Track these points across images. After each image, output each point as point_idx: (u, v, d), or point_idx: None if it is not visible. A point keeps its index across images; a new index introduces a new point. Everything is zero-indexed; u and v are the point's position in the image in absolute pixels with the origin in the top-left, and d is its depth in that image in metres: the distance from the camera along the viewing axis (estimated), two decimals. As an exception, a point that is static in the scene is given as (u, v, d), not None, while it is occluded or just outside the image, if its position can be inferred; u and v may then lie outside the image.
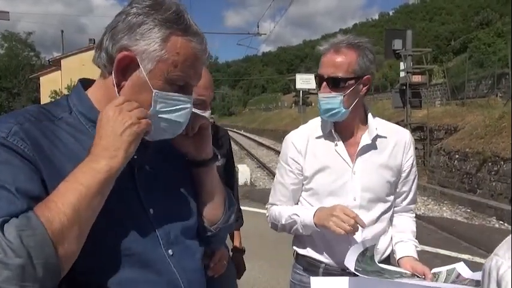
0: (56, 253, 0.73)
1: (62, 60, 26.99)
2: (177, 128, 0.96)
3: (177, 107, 0.93)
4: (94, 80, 1.01)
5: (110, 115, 0.85)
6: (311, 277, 1.43)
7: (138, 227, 0.91)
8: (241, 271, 2.29)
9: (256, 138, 32.30)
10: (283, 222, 1.59)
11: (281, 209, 1.64)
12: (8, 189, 0.76)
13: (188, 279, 0.95)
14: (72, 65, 24.80)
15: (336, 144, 1.55)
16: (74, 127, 0.92)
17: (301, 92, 21.99)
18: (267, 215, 1.73)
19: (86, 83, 1.00)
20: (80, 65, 22.95)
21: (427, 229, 6.71)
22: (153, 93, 0.89)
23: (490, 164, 8.97)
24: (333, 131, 1.56)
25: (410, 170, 1.62)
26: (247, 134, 38.46)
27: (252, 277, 3.86)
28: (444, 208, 8.80)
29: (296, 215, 1.54)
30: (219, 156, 1.11)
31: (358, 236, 1.52)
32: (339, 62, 1.46)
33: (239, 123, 54.84)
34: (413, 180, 1.64)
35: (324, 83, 1.49)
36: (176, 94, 0.92)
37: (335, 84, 1.47)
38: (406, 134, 1.63)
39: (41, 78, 31.31)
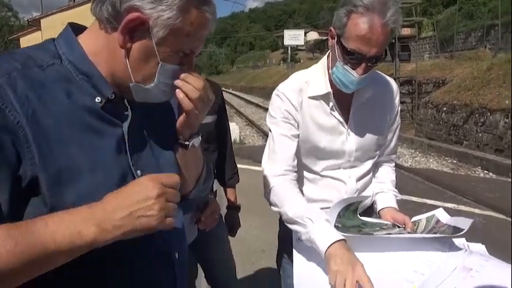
0: None
1: (41, 20, 25.88)
2: (172, 95, 0.93)
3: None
4: (84, 26, 0.93)
5: (146, 192, 0.76)
6: (294, 249, 1.37)
7: None
8: (236, 228, 2.31)
9: (245, 96, 32.08)
10: (290, 216, 1.36)
11: (290, 198, 1.41)
12: None
13: (174, 240, 0.96)
14: (52, 25, 23.85)
15: (331, 105, 1.49)
16: (65, 77, 0.83)
17: (289, 48, 21.67)
18: (270, 187, 1.46)
19: (75, 28, 0.92)
20: (61, 24, 21.99)
21: (414, 180, 6.86)
22: (159, 66, 0.86)
23: (477, 115, 9.07)
24: (330, 92, 1.47)
25: (395, 119, 1.61)
26: (236, 93, 38.17)
27: (243, 232, 3.93)
28: (431, 160, 8.98)
29: (311, 221, 1.29)
30: (199, 139, 1.04)
31: (353, 189, 1.53)
32: (385, 41, 1.30)
33: (227, 81, 54.17)
34: (396, 129, 1.64)
35: (364, 64, 1.32)
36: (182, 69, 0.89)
37: (373, 63, 1.34)
38: (392, 84, 1.61)
39: (20, 39, 30.13)
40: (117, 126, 0.88)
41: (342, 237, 1.21)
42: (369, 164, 1.57)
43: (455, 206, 5.35)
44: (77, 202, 0.76)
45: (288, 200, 1.40)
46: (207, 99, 0.94)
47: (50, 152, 0.76)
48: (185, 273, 1.03)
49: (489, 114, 8.70)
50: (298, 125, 1.49)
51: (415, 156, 9.35)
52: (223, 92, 2.30)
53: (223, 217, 2.20)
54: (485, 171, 7.82)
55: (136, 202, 0.75)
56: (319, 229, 1.25)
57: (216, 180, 2.19)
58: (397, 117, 1.62)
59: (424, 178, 7.03)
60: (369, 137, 1.53)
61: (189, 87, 0.91)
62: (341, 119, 1.49)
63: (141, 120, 0.94)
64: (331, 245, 1.19)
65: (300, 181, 1.54)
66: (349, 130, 1.50)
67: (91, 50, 0.87)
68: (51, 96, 0.80)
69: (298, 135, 1.49)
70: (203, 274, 2.19)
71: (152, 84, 0.87)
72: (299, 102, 1.48)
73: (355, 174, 1.55)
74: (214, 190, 2.11)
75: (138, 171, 0.90)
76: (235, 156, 2.36)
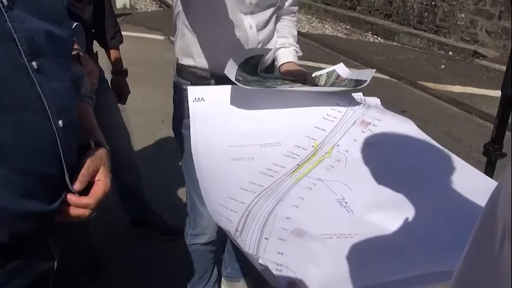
0: None
1: None
2: None
3: None
4: None
5: None
6: (188, 86, 1.28)
7: None
8: (125, 94, 2.14)
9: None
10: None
11: None
12: None
13: (56, 106, 0.74)
14: None
15: None
16: None
17: None
18: (179, 9, 1.34)
19: None
20: None
21: (310, 45, 6.98)
22: None
23: (371, -21, 9.16)
24: None
25: None
26: (121, -50, 33.51)
27: (140, 103, 3.75)
28: (327, 26, 9.16)
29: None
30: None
31: (254, 40, 1.41)
32: None
33: None
34: None
35: None
36: None
37: None
38: None
39: None
40: None
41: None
42: (269, 11, 1.43)
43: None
44: None
45: None
46: None
47: None
48: (73, 144, 0.84)
49: (382, -22, 8.83)
50: None
51: (312, 22, 9.43)
52: None
53: (109, 83, 1.99)
54: (375, 36, 8.26)
55: None
56: None
57: (95, 41, 1.89)
58: None
59: (320, 43, 7.19)
60: None
61: None
62: None
63: None
64: None
65: None
66: None
67: None
68: None
69: None
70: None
71: None
72: None
73: (255, 22, 1.41)
74: (94, 52, 1.82)
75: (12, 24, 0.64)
76: (127, 23, 2.07)
